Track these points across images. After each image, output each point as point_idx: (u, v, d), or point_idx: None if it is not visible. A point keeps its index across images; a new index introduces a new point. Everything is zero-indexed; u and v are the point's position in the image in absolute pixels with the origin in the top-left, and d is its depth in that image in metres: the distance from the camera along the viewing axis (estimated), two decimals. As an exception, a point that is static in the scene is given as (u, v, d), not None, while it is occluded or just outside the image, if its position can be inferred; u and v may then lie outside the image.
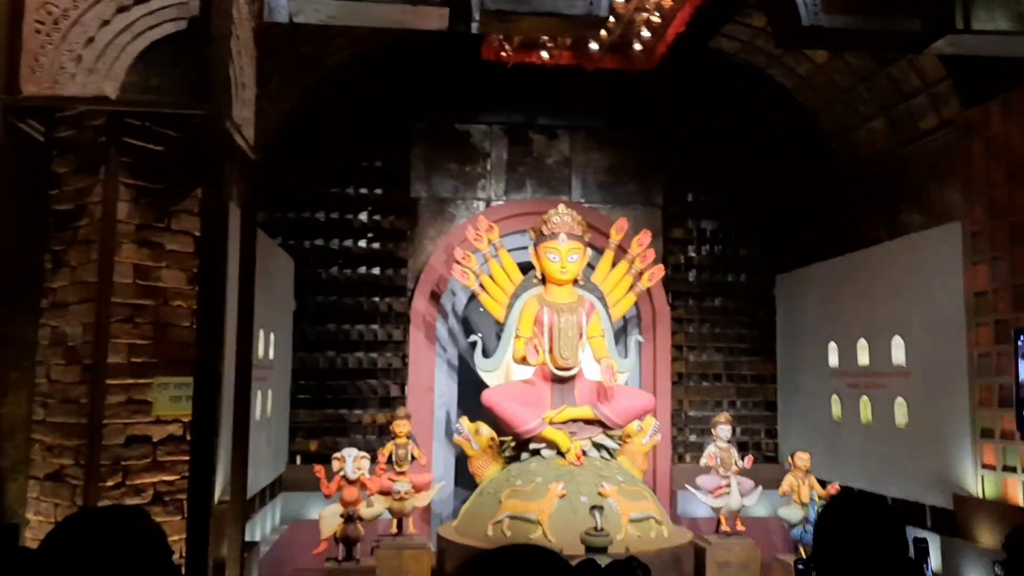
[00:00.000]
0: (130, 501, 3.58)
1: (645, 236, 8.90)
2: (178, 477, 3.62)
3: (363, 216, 9.73)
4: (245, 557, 5.73)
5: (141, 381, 3.60)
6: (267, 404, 8.01)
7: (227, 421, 6.24)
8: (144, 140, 3.64)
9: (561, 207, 8.62)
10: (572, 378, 8.36)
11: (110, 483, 3.54)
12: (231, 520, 3.89)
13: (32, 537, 3.52)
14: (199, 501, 3.19)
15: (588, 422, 8.22)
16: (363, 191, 9.74)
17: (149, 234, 3.67)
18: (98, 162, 3.57)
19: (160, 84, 3.34)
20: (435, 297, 9.66)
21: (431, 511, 9.28)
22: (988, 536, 6.34)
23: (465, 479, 8.92)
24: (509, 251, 9.18)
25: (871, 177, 8.41)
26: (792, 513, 7.62)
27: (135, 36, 3.29)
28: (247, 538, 6.83)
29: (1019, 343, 5.49)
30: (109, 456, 3.50)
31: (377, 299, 9.65)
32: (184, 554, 3.16)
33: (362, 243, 9.71)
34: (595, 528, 6.53)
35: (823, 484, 7.87)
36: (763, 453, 9.89)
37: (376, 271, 9.70)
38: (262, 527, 7.95)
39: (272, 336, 8.15)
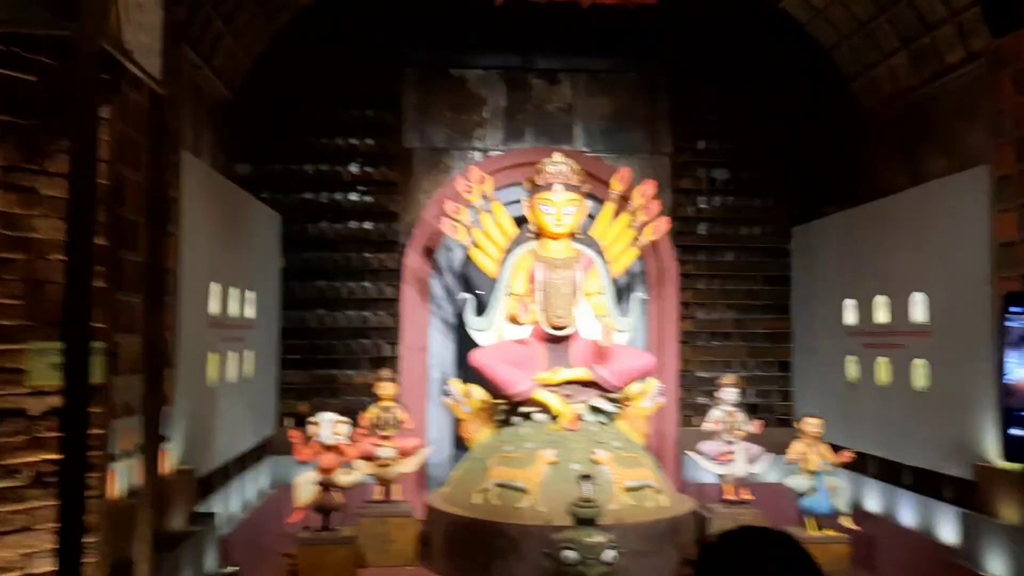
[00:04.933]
0: (1, 484, 3.17)
1: (649, 186, 8.32)
2: (64, 456, 3.21)
3: (353, 168, 9.26)
4: (198, 532, 5.39)
5: (12, 347, 3.16)
6: (245, 365, 7.65)
7: (184, 386, 5.88)
8: (10, 68, 3.17)
9: (557, 156, 8.06)
10: (567, 338, 7.89)
11: (-25, 464, 3.15)
12: (141, 511, 3.46)
13: None
14: (72, 488, 2.78)
15: (584, 384, 7.75)
16: (353, 141, 9.26)
17: (19, 177, 3.20)
18: (-45, 94, 3.12)
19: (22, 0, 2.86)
20: (429, 253, 9.20)
21: (427, 476, 8.92)
22: (1010, 511, 5.80)
23: (463, 442, 8.53)
24: (507, 204, 8.67)
25: (892, 119, 7.74)
26: (800, 482, 7.12)
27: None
28: (207, 508, 6.46)
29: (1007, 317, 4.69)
30: (-27, 433, 3.11)
31: (368, 255, 9.22)
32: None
33: (352, 196, 9.26)
34: (583, 499, 6.08)
35: (836, 451, 7.35)
36: (776, 416, 9.35)
37: (367, 225, 9.25)
38: (242, 493, 7.64)
39: (250, 294, 7.76)
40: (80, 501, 2.83)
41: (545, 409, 7.54)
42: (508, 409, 7.79)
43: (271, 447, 8.68)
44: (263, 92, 8.58)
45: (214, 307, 6.70)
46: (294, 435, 6.92)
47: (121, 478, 4.17)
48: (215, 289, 6.71)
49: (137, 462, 4.05)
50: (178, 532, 5.30)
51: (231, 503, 7.24)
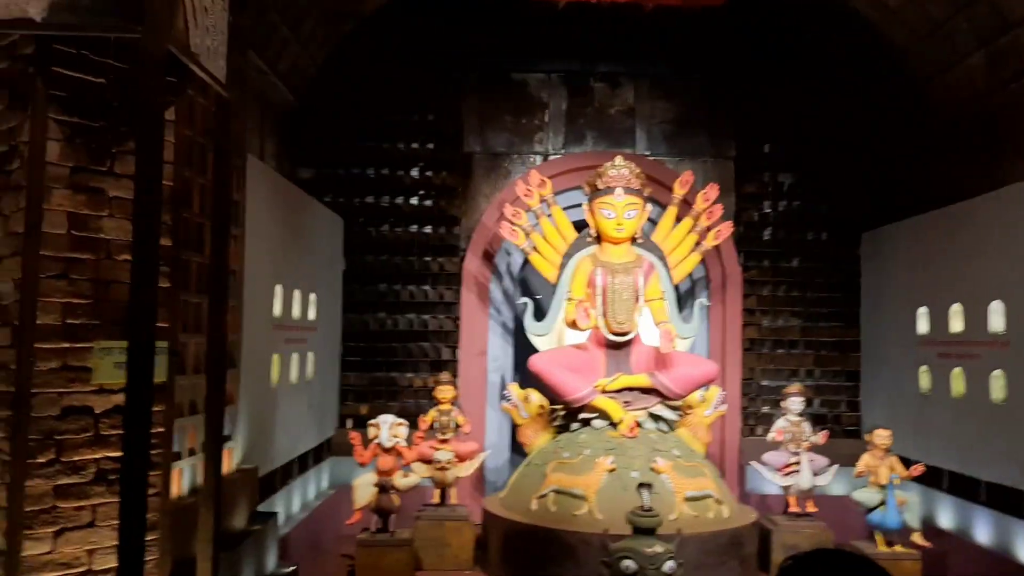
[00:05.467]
0: (66, 480, 3.23)
1: (711, 190, 8.17)
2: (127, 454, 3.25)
3: (414, 172, 9.30)
4: (260, 531, 5.44)
5: (79, 345, 3.23)
6: (307, 366, 7.73)
7: (247, 386, 5.95)
8: (80, 71, 3.23)
9: (618, 159, 7.96)
10: (628, 344, 7.77)
11: (41, 459, 3.19)
12: (203, 509, 3.49)
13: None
14: (134, 485, 2.80)
15: (644, 391, 7.62)
16: (414, 146, 9.29)
17: (87, 178, 3.27)
18: (27, 97, 3.19)
19: (91, 3, 2.91)
20: (488, 257, 9.18)
21: (484, 481, 8.90)
22: (1096, 531, 5.52)
23: (521, 447, 8.49)
24: (567, 208, 8.60)
25: (969, 121, 7.45)
26: (868, 496, 6.90)
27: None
28: (269, 508, 6.54)
29: None
30: (40, 429, 3.16)
31: (428, 259, 9.25)
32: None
33: (413, 200, 9.29)
34: (642, 507, 5.97)
35: (907, 464, 7.10)
36: (843, 427, 9.10)
37: (427, 229, 9.28)
38: (302, 493, 7.70)
39: (313, 296, 7.83)
40: (142, 499, 2.85)
41: (604, 415, 7.45)
42: (567, 415, 7.71)
43: (331, 448, 8.75)
44: (326, 97, 8.67)
45: (277, 309, 6.78)
46: (354, 437, 6.96)
47: (185, 477, 4.23)
48: (278, 291, 6.79)
49: (201, 461, 4.10)
50: (240, 531, 5.35)
51: (292, 503, 7.31)
